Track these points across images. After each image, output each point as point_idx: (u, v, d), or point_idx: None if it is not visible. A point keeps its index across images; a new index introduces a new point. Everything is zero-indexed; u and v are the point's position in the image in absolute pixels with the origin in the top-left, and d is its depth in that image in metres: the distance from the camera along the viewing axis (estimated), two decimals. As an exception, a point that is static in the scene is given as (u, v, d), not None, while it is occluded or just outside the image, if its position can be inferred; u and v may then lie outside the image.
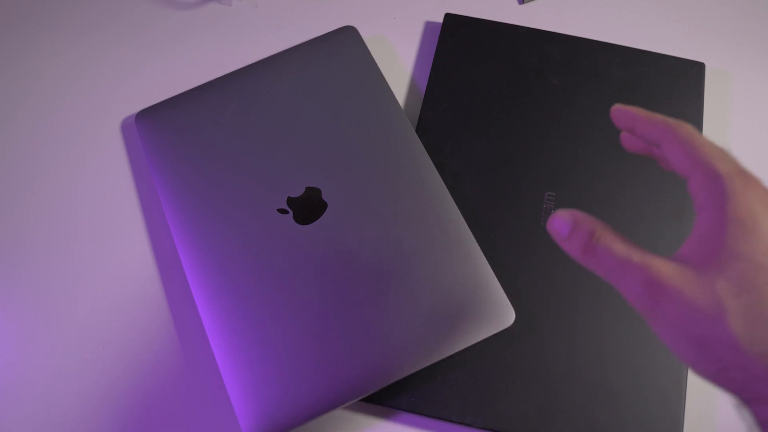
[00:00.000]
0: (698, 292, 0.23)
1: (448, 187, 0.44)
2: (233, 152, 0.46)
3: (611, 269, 0.25)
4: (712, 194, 0.24)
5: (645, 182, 0.46)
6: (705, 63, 0.50)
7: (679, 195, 0.46)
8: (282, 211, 0.43)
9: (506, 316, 0.40)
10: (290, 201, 0.44)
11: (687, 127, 0.26)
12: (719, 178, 0.24)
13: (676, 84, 0.49)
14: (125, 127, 0.51)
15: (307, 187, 0.44)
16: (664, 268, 0.23)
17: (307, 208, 0.43)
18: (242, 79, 0.49)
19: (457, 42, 0.51)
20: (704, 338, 0.23)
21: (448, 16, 0.52)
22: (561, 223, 0.26)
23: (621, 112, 0.29)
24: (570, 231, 0.26)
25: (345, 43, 0.50)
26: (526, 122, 0.48)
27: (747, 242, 0.22)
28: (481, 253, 0.42)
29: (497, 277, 0.41)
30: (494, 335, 0.40)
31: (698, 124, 0.48)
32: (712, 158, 0.24)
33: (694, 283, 0.23)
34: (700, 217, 0.24)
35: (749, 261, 0.22)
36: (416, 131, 0.47)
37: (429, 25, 0.55)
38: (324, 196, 0.44)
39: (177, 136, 0.47)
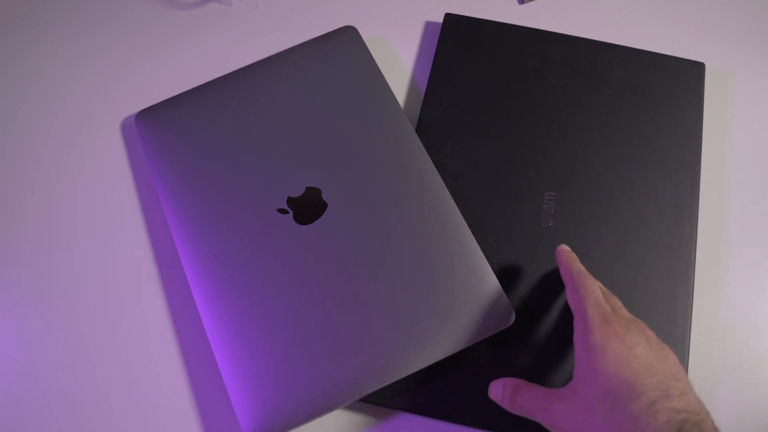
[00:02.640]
0: (578, 406, 0.33)
1: (448, 187, 0.44)
2: (233, 152, 0.46)
3: (528, 413, 0.35)
4: (582, 330, 0.34)
5: (645, 182, 0.46)
6: (705, 63, 0.50)
7: (679, 195, 0.46)
8: (282, 211, 0.43)
9: (506, 316, 0.40)
10: (290, 201, 0.44)
11: (582, 279, 0.36)
12: (586, 318, 0.34)
13: (676, 84, 0.49)
14: (125, 127, 0.51)
15: (307, 187, 0.44)
16: (556, 401, 0.34)
17: (307, 208, 0.43)
18: (242, 79, 0.49)
19: (457, 42, 0.51)
20: None
21: (448, 16, 0.52)
22: (495, 389, 0.37)
23: (558, 253, 0.39)
24: (502, 393, 0.37)
25: (345, 43, 0.49)
26: (526, 122, 0.48)
27: (601, 361, 0.33)
28: (481, 253, 0.42)
29: (497, 277, 0.41)
30: (494, 335, 0.40)
31: (698, 124, 0.48)
32: (587, 304, 0.35)
33: (575, 400, 0.33)
34: (576, 346, 0.35)
35: (604, 373, 0.32)
36: (416, 131, 0.47)
37: (429, 25, 0.55)
38: (324, 196, 0.44)
39: (177, 136, 0.47)
